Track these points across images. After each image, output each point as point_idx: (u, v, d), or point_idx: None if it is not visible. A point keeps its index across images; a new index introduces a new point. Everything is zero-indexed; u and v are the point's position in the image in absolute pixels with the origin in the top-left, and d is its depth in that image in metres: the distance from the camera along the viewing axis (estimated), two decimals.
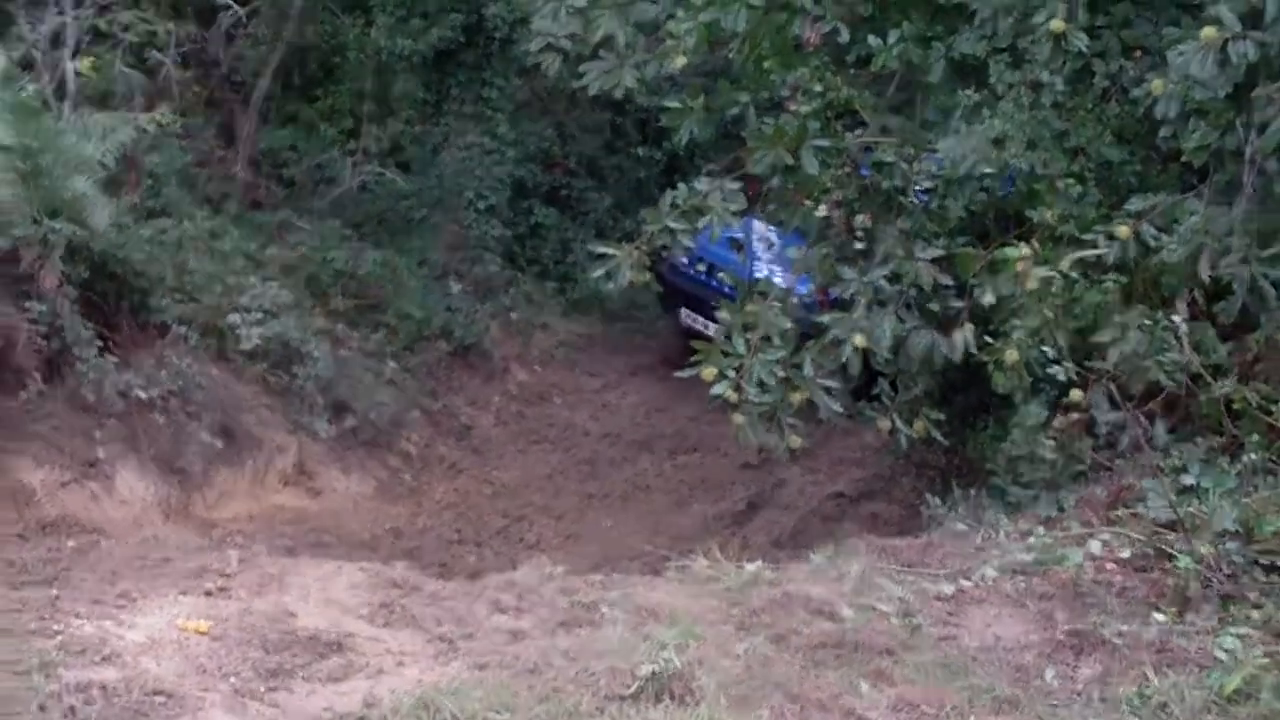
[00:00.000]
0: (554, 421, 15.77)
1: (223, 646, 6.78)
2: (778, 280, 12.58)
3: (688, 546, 8.89)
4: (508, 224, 16.96)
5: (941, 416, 10.95)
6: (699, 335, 14.53)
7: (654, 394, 15.90)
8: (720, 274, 15.35)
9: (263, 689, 6.39)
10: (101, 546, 9.08)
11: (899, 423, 10.95)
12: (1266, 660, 6.76)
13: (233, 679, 6.44)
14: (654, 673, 6.18)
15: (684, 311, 16.12)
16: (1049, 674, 6.95)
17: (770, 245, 14.92)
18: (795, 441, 10.80)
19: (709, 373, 10.68)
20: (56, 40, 13.18)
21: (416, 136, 16.84)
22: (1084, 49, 9.86)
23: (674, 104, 11.22)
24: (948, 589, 7.91)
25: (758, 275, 13.54)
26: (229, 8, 15.00)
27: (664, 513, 13.58)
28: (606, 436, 15.47)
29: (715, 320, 13.38)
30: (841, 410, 11.09)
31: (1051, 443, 9.69)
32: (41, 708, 5.66)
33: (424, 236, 16.23)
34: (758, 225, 14.77)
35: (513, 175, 17.00)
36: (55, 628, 6.64)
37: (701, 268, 15.88)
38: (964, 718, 6.28)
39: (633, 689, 6.16)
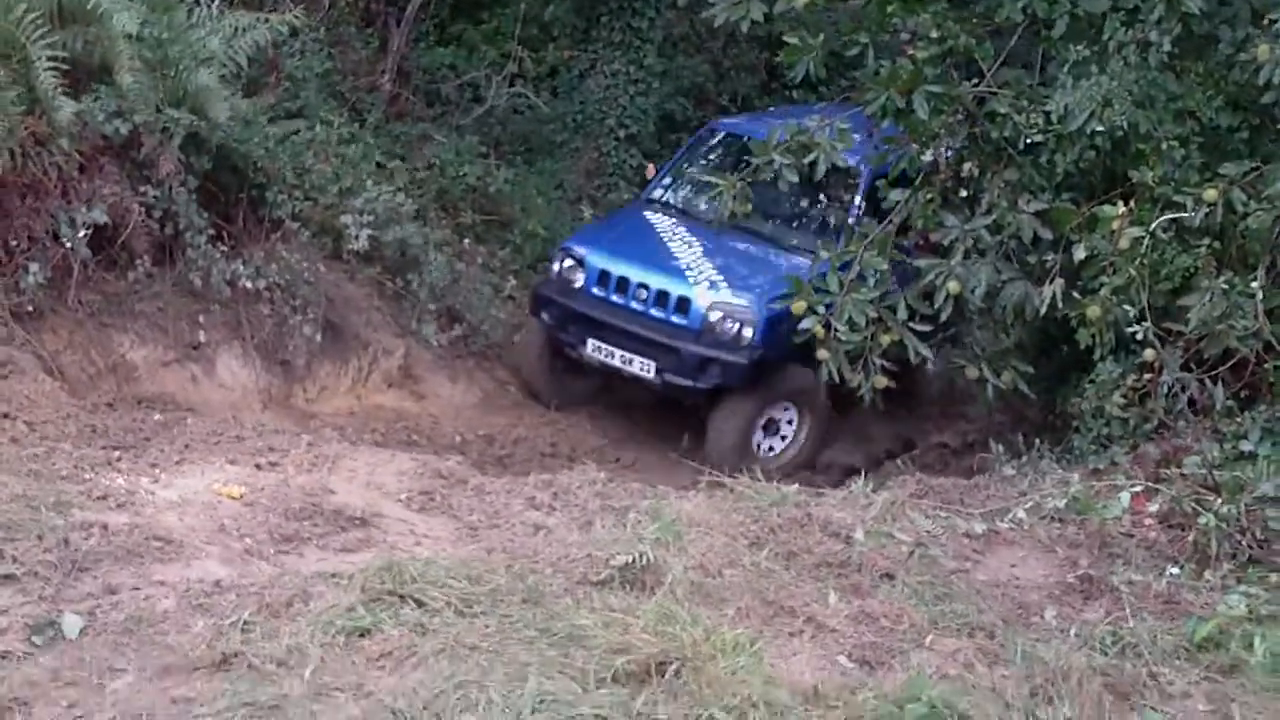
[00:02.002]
0: None
1: (250, 511, 7.09)
2: (719, 289, 12.54)
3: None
4: (650, 155, 17.07)
5: (1031, 369, 11.00)
6: (612, 372, 13.00)
7: None
8: (642, 289, 12.69)
9: (272, 550, 6.69)
10: (187, 422, 9.40)
11: (986, 372, 11.03)
12: (1245, 612, 6.80)
13: (247, 539, 6.74)
14: (627, 563, 6.39)
15: (591, 344, 12.84)
16: (1049, 613, 7.02)
17: (691, 245, 13.17)
18: (881, 382, 10.93)
19: (799, 307, 10.86)
20: None
21: (566, 62, 17.07)
22: (1198, 10, 9.79)
23: (793, 40, 11.29)
24: (979, 528, 8.01)
25: (689, 280, 12.70)
26: None
27: None
28: None
29: (638, 353, 12.59)
30: (930, 355, 11.21)
31: (1122, 400, 9.73)
32: (39, 537, 6.00)
33: (562, 160, 16.42)
34: (660, 220, 13.68)
35: (660, 107, 17.15)
36: (88, 477, 6.99)
37: (608, 286, 12.91)
38: (921, 635, 6.40)
39: (603, 576, 6.38)
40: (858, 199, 13.08)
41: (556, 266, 13.28)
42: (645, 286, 12.71)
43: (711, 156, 14.42)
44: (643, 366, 12.61)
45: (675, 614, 5.88)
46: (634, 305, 12.73)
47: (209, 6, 12.09)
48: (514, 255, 14.80)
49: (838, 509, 7.92)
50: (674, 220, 13.64)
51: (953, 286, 10.57)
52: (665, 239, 13.34)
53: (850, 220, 12.95)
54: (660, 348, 12.47)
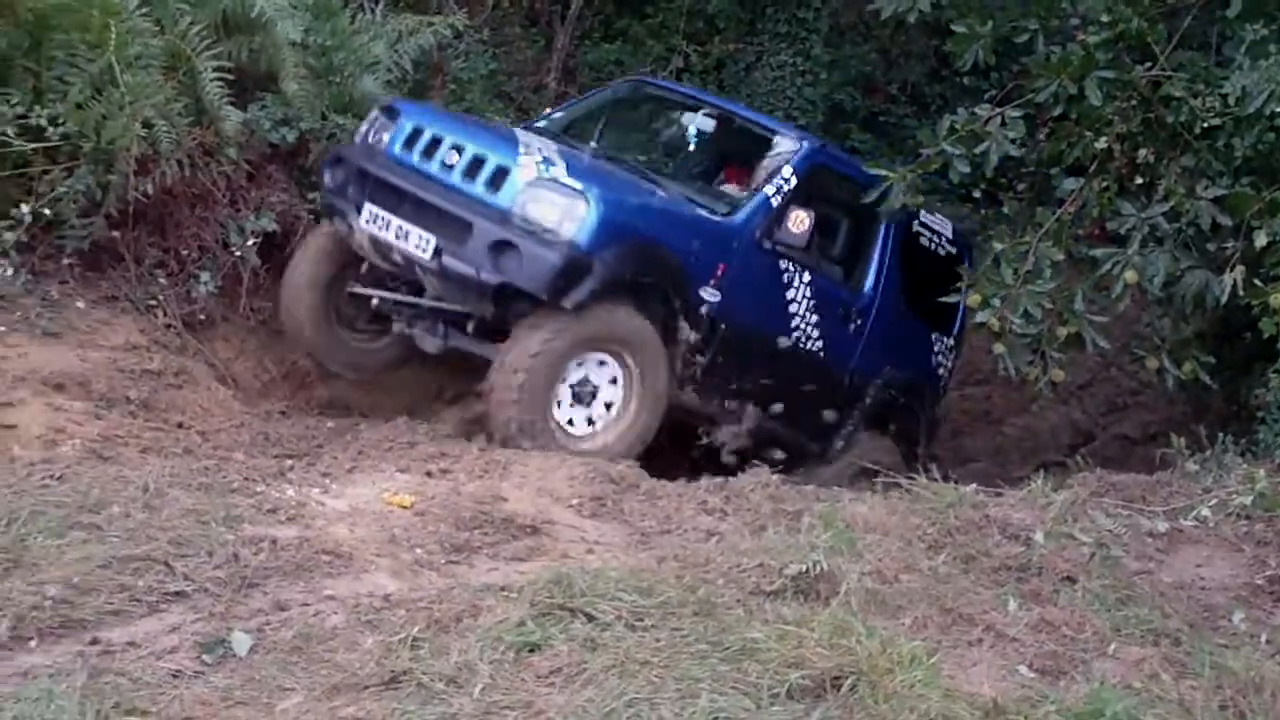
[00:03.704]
0: None
1: (420, 521, 7.04)
2: (552, 166, 9.36)
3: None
4: None
5: (1212, 360, 10.71)
6: (382, 251, 9.68)
7: None
8: (454, 151, 9.53)
9: (443, 561, 6.64)
10: (360, 429, 9.43)
11: (1167, 363, 10.76)
12: None
13: (418, 550, 6.69)
14: (801, 572, 6.27)
15: (367, 211, 9.59)
16: (1237, 617, 6.83)
17: (546, 144, 10.15)
18: (1059, 375, 10.72)
19: (974, 299, 10.66)
20: None
21: (732, 55, 16.96)
22: None
23: (961, 28, 11.11)
24: (1162, 526, 7.83)
25: (517, 150, 9.57)
26: None
27: (941, 441, 13.45)
28: None
29: (419, 224, 9.38)
30: (1109, 346, 10.98)
31: None
32: (209, 553, 5.99)
33: None
34: (524, 134, 10.64)
35: (829, 98, 16.97)
36: (259, 489, 6.99)
37: (415, 146, 9.76)
38: (1104, 643, 6.23)
39: (776, 585, 6.27)
40: (781, 181, 10.46)
41: (364, 125, 10.27)
42: (460, 149, 9.54)
43: (628, 112, 12.10)
44: (420, 243, 9.31)
45: (851, 625, 5.73)
46: (436, 170, 9.56)
47: (372, 12, 12.16)
48: None
49: (1016, 509, 7.77)
50: (541, 138, 10.50)
51: (1130, 276, 10.32)
52: (517, 131, 10.65)
53: (754, 206, 10.31)
54: (449, 220, 9.25)
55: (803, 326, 10.64)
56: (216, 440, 8.51)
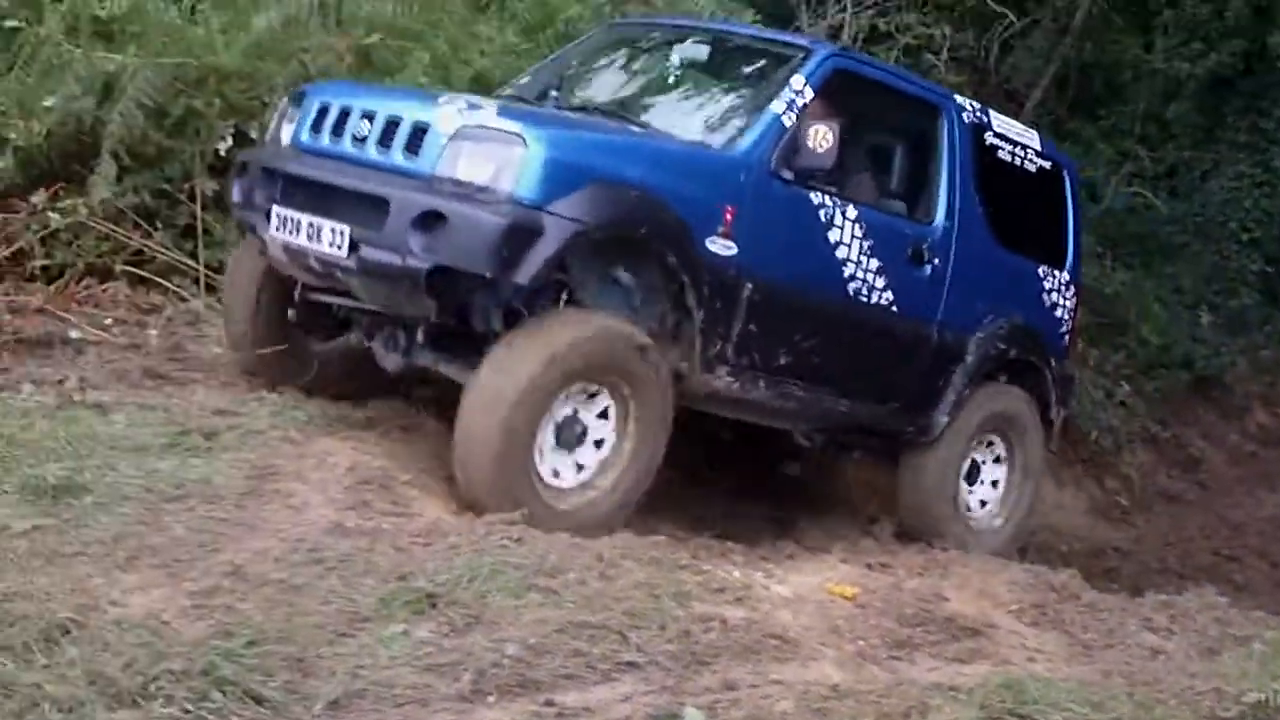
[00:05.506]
0: None
1: (862, 613, 7.02)
2: (479, 111, 7.36)
3: None
4: (1270, 260, 16.48)
5: None
6: (299, 261, 7.67)
7: None
8: (365, 121, 7.51)
9: (885, 655, 6.61)
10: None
11: None
12: None
13: (860, 642, 6.67)
14: (1260, 702, 6.06)
15: (276, 216, 7.63)
16: None
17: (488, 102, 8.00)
18: None
19: None
20: (835, 35, 13.80)
21: (1187, 162, 16.68)
22: None
23: None
24: None
25: (436, 103, 7.57)
26: (1006, 17, 15.27)
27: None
28: None
29: (331, 217, 7.33)
30: None
31: None
32: (661, 627, 6.07)
33: (1180, 264, 16.04)
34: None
35: None
36: (706, 568, 7.07)
37: (322, 127, 7.76)
38: None
39: (1232, 713, 6.07)
40: (791, 94, 8.28)
41: (273, 120, 8.49)
42: (370, 115, 7.53)
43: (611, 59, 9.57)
44: (334, 239, 7.29)
45: None
46: (348, 148, 7.58)
47: None
48: (1127, 360, 14.46)
49: None
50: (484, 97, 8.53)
51: None
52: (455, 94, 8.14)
53: (760, 130, 8.09)
54: (363, 202, 7.26)
55: (860, 275, 8.56)
56: (658, 517, 8.60)
